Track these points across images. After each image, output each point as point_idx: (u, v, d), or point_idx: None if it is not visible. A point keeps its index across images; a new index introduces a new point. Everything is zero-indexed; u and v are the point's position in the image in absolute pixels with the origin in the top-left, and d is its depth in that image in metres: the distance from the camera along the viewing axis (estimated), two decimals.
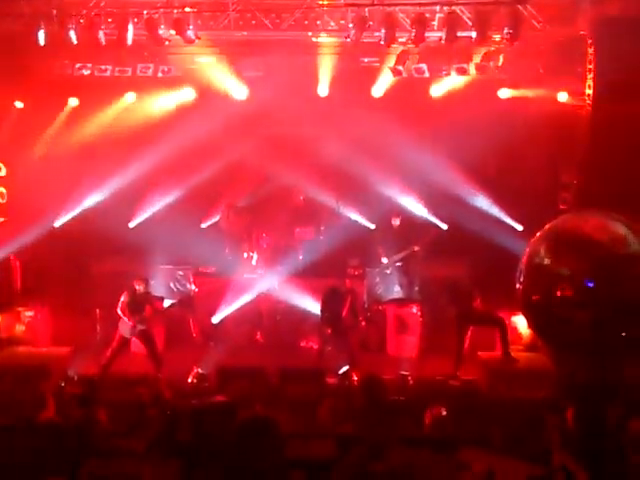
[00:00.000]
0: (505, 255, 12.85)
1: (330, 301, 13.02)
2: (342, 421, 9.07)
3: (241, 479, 5.64)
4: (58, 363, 12.71)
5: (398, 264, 14.90)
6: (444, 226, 16.25)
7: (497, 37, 13.51)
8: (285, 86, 14.53)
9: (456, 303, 13.03)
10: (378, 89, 15.84)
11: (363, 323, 14.13)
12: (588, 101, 13.82)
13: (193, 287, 14.96)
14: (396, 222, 15.13)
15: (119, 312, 12.59)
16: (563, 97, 14.53)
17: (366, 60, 15.02)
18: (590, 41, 13.36)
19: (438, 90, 15.88)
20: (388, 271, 15.00)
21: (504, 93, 15.54)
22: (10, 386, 11.64)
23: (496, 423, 8.77)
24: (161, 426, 8.32)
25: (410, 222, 15.54)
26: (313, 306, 13.54)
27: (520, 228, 15.47)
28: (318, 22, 13.85)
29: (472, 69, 14.47)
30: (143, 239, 16.59)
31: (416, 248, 14.72)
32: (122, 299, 12.63)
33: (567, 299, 7.28)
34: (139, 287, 12.73)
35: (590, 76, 13.72)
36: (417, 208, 16.21)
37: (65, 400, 10.15)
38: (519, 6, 13.00)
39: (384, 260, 14.96)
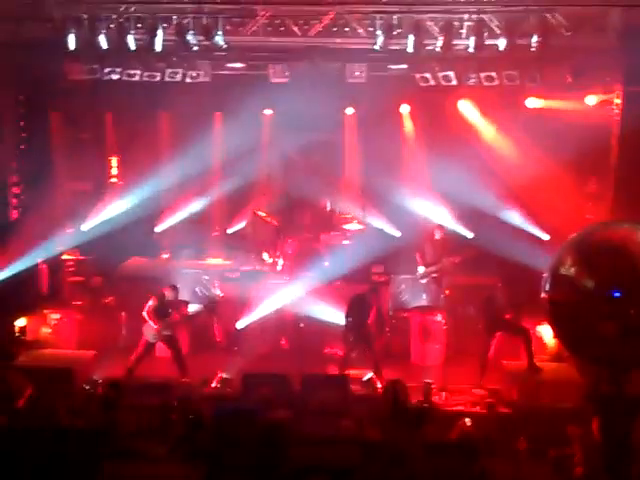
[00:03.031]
0: (531, 265, 12.79)
1: (355, 308, 12.98)
2: (366, 427, 9.07)
3: None
4: (83, 366, 12.77)
5: (434, 275, 14.83)
6: (470, 234, 16.20)
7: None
8: (312, 94, 14.49)
9: (487, 312, 12.96)
10: (407, 99, 15.90)
11: (388, 332, 14.03)
12: (617, 110, 13.71)
13: (218, 292, 14.97)
14: (438, 234, 15.06)
15: (145, 316, 12.63)
16: (592, 100, 14.40)
17: (394, 67, 14.96)
18: (619, 50, 13.25)
19: (466, 100, 15.97)
20: (424, 281, 14.92)
21: (532, 102, 15.50)
22: (35, 388, 11.72)
23: (520, 433, 8.74)
24: (183, 430, 8.36)
25: (451, 235, 15.46)
26: (338, 313, 13.50)
27: (546, 238, 15.39)
28: (346, 29, 13.87)
29: (500, 77, 14.36)
30: (169, 244, 16.76)
31: (456, 261, 14.64)
32: (150, 303, 12.67)
33: (593, 309, 7.21)
34: (168, 294, 12.76)
35: (619, 86, 13.62)
36: (443, 217, 16.16)
37: (89, 403, 10.23)
38: (548, 14, 12.97)
39: (420, 269, 14.88)
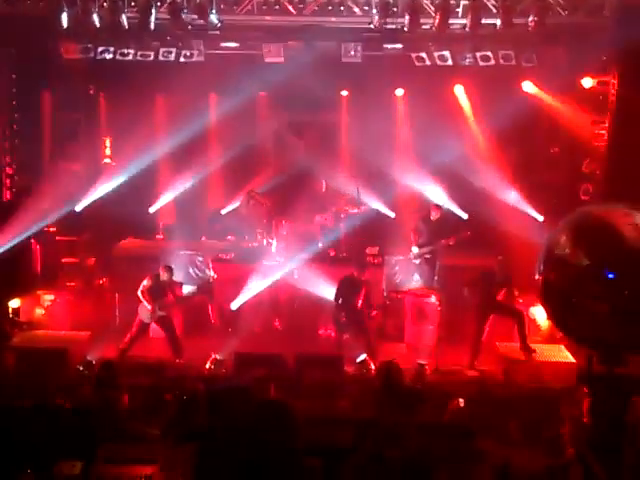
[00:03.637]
0: (525, 246, 12.79)
1: (345, 289, 12.97)
2: (360, 408, 9.10)
3: (255, 464, 5.64)
4: (77, 347, 12.73)
5: (427, 256, 14.80)
6: (464, 215, 16.21)
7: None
8: (307, 73, 14.42)
9: (482, 292, 12.94)
10: (401, 78, 15.86)
11: (374, 313, 13.93)
12: (612, 90, 13.66)
13: (212, 273, 14.95)
14: (435, 214, 14.99)
15: (140, 296, 12.63)
16: (587, 83, 14.35)
17: (389, 47, 14.87)
18: (615, 29, 13.18)
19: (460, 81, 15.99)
20: (417, 261, 14.89)
21: (528, 87, 15.51)
22: (29, 369, 11.73)
23: (513, 414, 8.76)
24: (177, 411, 8.36)
25: (447, 217, 15.42)
26: (332, 294, 13.51)
27: (541, 219, 15.39)
28: (342, 8, 13.79)
29: (496, 57, 14.28)
30: (163, 224, 16.75)
31: (450, 243, 14.62)
32: (144, 283, 12.67)
33: (586, 290, 7.21)
34: (163, 275, 12.76)
35: (615, 65, 13.56)
36: (439, 198, 16.15)
37: (83, 384, 10.23)
38: None
39: (414, 249, 14.84)
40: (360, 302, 13.01)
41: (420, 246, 14.79)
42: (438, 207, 15.16)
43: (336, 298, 13.04)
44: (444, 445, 7.09)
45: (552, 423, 7.98)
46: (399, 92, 16.83)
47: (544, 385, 10.96)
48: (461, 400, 9.04)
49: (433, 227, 14.87)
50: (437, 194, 16.23)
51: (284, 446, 5.71)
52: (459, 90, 16.53)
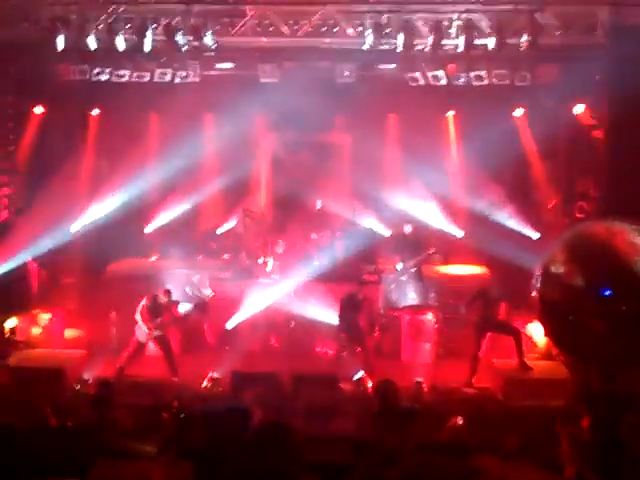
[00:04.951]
0: (521, 263, 12.83)
1: (347, 307, 13.02)
2: (358, 427, 9.08)
3: None
4: (74, 366, 12.76)
5: (412, 270, 14.87)
6: (460, 233, 16.28)
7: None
8: (302, 94, 14.48)
9: (480, 310, 12.95)
10: (395, 99, 15.96)
11: (377, 332, 14.01)
12: (606, 110, 13.75)
13: (209, 292, 14.96)
14: (408, 229, 15.13)
15: (137, 317, 12.64)
16: (580, 109, 14.44)
17: (383, 67, 14.95)
18: (608, 48, 13.27)
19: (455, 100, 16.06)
20: (403, 278, 14.95)
21: (519, 113, 15.71)
22: (26, 389, 11.69)
23: (510, 431, 8.74)
24: (174, 429, 8.34)
25: (422, 229, 15.56)
26: (328, 312, 13.52)
27: (536, 236, 15.44)
28: (335, 29, 13.88)
29: (489, 77, 14.35)
30: (159, 244, 16.75)
31: (431, 251, 14.76)
32: (142, 303, 12.69)
33: (583, 308, 7.22)
34: (162, 298, 12.79)
35: (609, 84, 13.65)
36: (432, 216, 16.24)
37: (80, 402, 10.20)
38: (537, 14, 13.01)
39: (398, 267, 14.93)
40: (362, 319, 13.07)
41: (403, 262, 14.88)
42: (409, 222, 15.29)
43: (339, 317, 13.10)
44: (442, 463, 7.07)
45: (551, 441, 7.97)
46: (394, 113, 16.92)
47: (542, 402, 10.96)
48: (460, 418, 9.04)
49: (410, 242, 15.04)
50: (432, 213, 16.30)
51: (282, 467, 5.70)
52: (451, 114, 16.66)
